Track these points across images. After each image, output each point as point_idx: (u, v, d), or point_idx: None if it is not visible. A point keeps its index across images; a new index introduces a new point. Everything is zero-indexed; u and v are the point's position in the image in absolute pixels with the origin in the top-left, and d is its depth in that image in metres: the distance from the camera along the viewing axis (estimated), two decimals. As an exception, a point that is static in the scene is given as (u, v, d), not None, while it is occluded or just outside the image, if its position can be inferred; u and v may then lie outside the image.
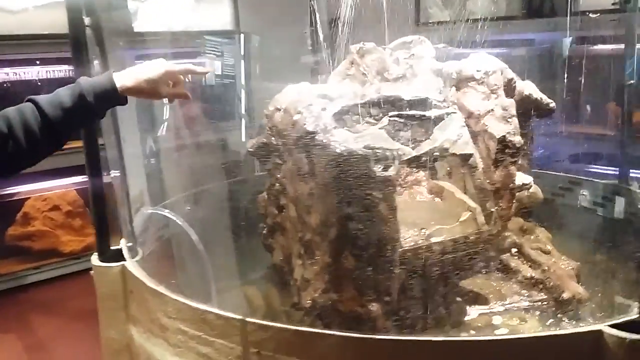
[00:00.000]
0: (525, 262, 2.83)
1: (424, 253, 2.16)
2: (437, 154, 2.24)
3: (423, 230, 2.20)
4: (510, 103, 2.32)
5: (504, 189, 2.31)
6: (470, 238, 2.23)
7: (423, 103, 2.59)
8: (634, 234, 3.10)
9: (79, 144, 2.24)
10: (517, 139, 2.26)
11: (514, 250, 2.91)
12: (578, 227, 3.39)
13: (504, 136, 2.24)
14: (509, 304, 2.66)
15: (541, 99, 2.74)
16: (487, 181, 2.31)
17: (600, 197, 3.41)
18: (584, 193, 3.49)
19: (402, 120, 2.39)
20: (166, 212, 2.49)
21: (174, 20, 4.77)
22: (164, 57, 1.81)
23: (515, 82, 2.59)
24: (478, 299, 2.66)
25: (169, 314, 1.91)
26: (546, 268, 2.72)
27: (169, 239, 2.66)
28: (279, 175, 2.71)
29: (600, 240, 3.23)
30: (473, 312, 2.57)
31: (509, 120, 2.28)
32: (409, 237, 2.16)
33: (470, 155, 2.29)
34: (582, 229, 3.36)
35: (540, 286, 2.70)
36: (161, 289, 1.95)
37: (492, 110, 2.32)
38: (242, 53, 3.61)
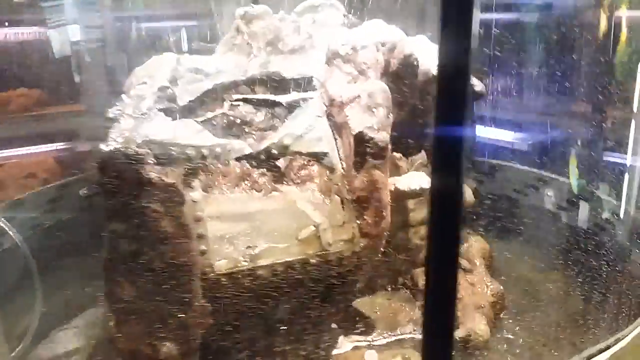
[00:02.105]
0: (436, 281, 2.30)
1: (245, 280, 1.70)
2: (275, 151, 1.74)
3: (250, 250, 1.73)
4: (379, 88, 1.77)
5: (369, 199, 1.78)
6: (312, 261, 1.74)
7: (308, 83, 2.08)
8: (595, 253, 2.48)
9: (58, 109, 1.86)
10: (381, 137, 1.72)
11: (429, 264, 2.38)
12: (534, 235, 2.80)
13: (362, 132, 1.71)
14: (399, 335, 2.15)
15: (460, 80, 2.14)
16: (347, 188, 1.79)
17: (565, 199, 2.78)
18: (549, 194, 2.87)
19: (249, 105, 1.90)
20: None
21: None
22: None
23: (416, 59, 2.02)
24: (362, 326, 2.18)
25: None
26: (453, 293, 2.17)
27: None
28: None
29: (556, 257, 2.64)
30: (348, 343, 2.09)
31: (373, 110, 1.74)
32: (224, 259, 1.70)
33: (324, 154, 1.78)
34: (539, 238, 2.77)
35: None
36: None
37: (357, 97, 1.78)
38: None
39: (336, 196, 1.81)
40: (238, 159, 1.78)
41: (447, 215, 1.00)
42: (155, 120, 1.72)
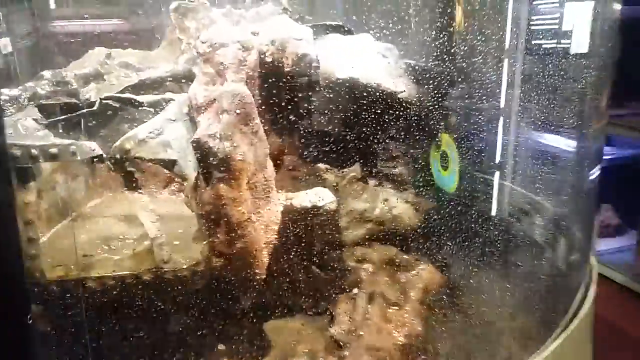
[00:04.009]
0: (351, 310, 2.05)
1: (76, 290, 1.61)
2: (117, 155, 1.63)
3: (85, 259, 1.64)
4: (228, 92, 1.58)
5: (217, 215, 1.61)
6: (144, 278, 1.61)
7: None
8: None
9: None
10: (221, 146, 1.54)
11: (355, 290, 2.13)
12: (504, 275, 2.38)
13: (199, 139, 1.54)
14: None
15: (377, 85, 1.88)
16: (197, 201, 1.64)
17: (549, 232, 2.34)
18: (538, 222, 2.44)
19: (115, 104, 1.80)
20: None
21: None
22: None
23: (313, 60, 1.80)
24: (252, 351, 1.99)
25: None
26: (354, 328, 1.92)
27: None
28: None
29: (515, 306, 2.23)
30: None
31: (221, 116, 1.56)
32: (58, 265, 1.63)
33: (172, 162, 1.63)
34: (510, 279, 2.35)
35: (336, 353, 1.92)
36: None
37: (213, 101, 1.62)
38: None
39: (187, 209, 1.66)
40: (93, 161, 1.70)
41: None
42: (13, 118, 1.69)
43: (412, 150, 2.14)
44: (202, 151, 1.54)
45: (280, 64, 1.79)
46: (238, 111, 1.57)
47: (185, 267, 1.60)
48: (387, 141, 2.03)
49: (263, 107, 1.83)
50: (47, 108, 1.85)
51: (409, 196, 2.20)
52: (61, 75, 1.98)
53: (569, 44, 1.70)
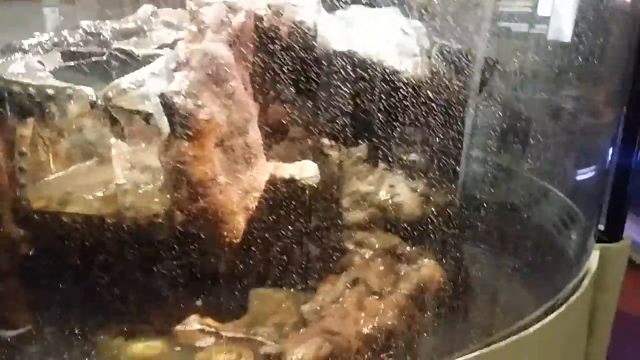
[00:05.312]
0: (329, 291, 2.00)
1: (54, 222, 1.76)
2: (102, 102, 1.72)
3: (66, 196, 1.77)
4: (198, 50, 1.59)
5: (179, 172, 1.65)
6: (108, 220, 1.70)
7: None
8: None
9: None
10: (184, 103, 1.56)
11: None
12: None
13: (163, 94, 1.57)
14: (251, 335, 1.94)
15: (377, 62, 1.78)
16: (166, 155, 1.68)
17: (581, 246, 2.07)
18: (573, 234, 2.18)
19: (123, 56, 1.90)
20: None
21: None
22: None
23: (309, 28, 1.75)
24: (228, 313, 2.01)
25: None
26: (318, 308, 1.87)
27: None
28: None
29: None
30: (196, 324, 1.96)
31: (189, 76, 1.59)
32: (42, 198, 1.78)
33: (148, 115, 1.69)
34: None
35: (299, 330, 1.88)
36: None
37: (188, 60, 1.64)
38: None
39: (158, 161, 1.71)
40: (92, 106, 1.81)
41: None
42: (25, 59, 1.85)
43: (426, 137, 2.00)
44: (166, 106, 1.57)
45: (276, 30, 1.76)
46: (209, 71, 1.58)
47: (145, 216, 1.66)
48: (394, 123, 1.92)
49: (258, 73, 1.82)
50: (70, 55, 1.99)
51: (419, 185, 2.07)
52: (97, 26, 2.11)
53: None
